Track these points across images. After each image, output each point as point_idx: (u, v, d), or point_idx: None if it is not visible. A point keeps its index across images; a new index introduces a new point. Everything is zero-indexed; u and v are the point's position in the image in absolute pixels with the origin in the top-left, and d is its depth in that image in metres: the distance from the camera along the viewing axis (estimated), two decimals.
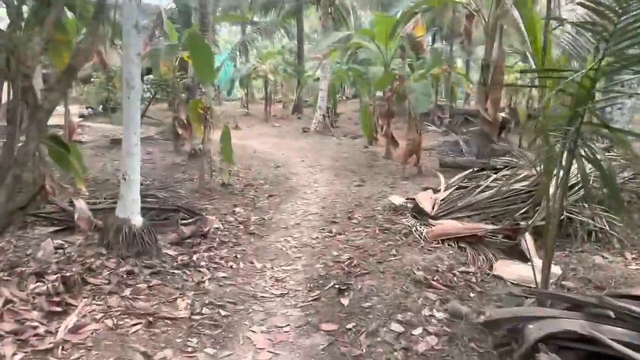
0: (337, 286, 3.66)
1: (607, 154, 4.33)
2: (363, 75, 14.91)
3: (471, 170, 5.96)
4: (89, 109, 16.11)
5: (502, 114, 9.16)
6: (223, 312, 3.24)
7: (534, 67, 5.07)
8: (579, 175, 4.45)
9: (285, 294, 3.65)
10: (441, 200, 5.25)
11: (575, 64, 3.41)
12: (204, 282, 3.69)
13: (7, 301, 2.94)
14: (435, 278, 3.86)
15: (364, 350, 2.84)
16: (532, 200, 4.67)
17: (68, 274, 3.22)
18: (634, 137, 3.00)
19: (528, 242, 4.32)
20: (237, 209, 6.09)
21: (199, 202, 6.34)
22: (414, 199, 5.58)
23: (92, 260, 3.57)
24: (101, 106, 15.99)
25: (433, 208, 5.16)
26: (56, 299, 3.05)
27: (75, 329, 2.81)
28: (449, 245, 4.48)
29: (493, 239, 4.58)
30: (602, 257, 4.45)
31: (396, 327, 3.06)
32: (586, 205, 4.69)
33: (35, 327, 2.77)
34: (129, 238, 3.71)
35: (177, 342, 2.85)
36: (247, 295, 3.57)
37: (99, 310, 3.04)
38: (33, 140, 4.38)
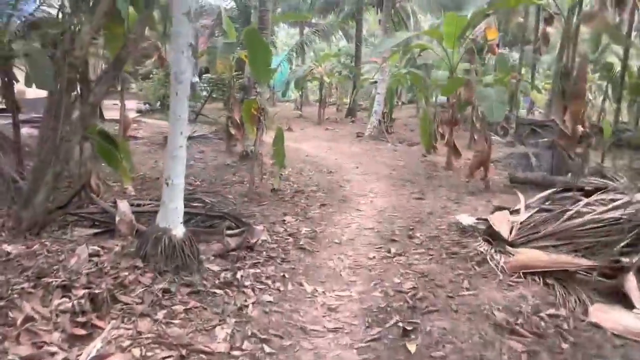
0: (400, 325, 3.09)
1: None
2: (422, 80, 14.20)
3: (553, 190, 5.19)
4: (147, 105, 16.32)
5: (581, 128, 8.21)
6: (267, 349, 2.76)
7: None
8: None
9: (339, 328, 3.12)
10: (520, 224, 4.55)
11: None
12: (247, 306, 3.22)
13: (27, 318, 2.59)
14: (519, 322, 3.21)
15: None
16: (637, 231, 3.90)
17: (97, 290, 2.84)
18: None
19: (631, 283, 3.58)
20: (287, 218, 5.64)
21: (247, 208, 5.95)
22: (486, 220, 4.90)
23: (126, 274, 3.19)
24: (159, 102, 16.14)
25: (511, 233, 4.47)
26: (81, 319, 2.68)
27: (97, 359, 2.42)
28: (532, 280, 3.79)
29: (586, 276, 3.85)
30: None
31: None
32: None
33: (53, 354, 2.40)
34: (168, 250, 3.32)
35: None
36: (295, 327, 3.07)
37: (126, 336, 2.63)
38: (77, 135, 4.11)
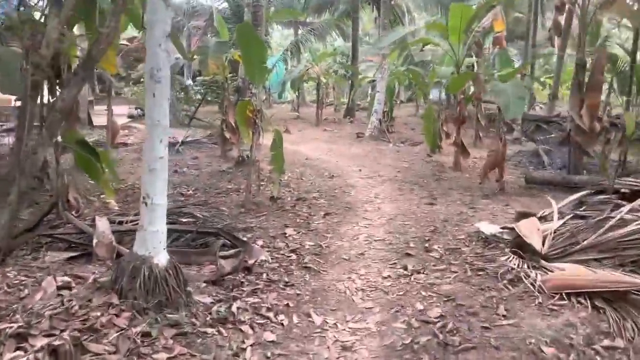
0: None
1: None
2: (421, 78, 13.68)
3: (586, 192, 4.66)
4: (138, 110, 15.73)
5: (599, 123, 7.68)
6: None
7: None
8: None
9: None
10: (554, 233, 4.01)
11: None
12: (244, 349, 2.68)
13: None
14: (571, 358, 2.68)
15: None
16: None
17: (59, 342, 2.28)
18: None
19: None
20: (288, 231, 5.10)
21: (244, 220, 5.40)
22: (512, 229, 4.36)
23: (98, 314, 2.64)
24: None
25: (543, 244, 3.94)
26: None
27: None
28: (578, 302, 3.25)
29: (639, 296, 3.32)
30: None
31: None
32: None
33: None
34: (148, 284, 2.76)
35: None
36: None
37: None
38: (44, 146, 3.55)
